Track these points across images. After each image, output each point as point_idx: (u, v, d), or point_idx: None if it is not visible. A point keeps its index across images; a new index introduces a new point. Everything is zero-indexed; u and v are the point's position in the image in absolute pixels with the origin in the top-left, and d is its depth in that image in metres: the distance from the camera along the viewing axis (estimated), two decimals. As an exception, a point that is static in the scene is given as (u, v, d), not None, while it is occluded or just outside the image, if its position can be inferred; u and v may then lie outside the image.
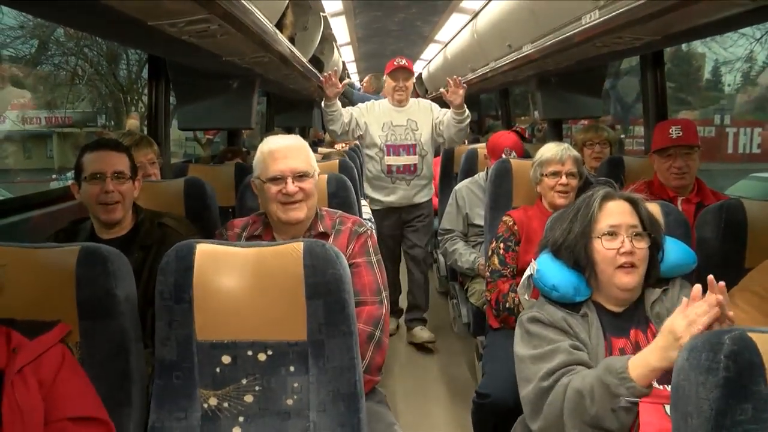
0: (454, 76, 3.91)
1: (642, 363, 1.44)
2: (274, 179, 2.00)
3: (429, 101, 4.27)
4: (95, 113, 18.29)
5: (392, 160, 4.04)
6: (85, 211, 2.23)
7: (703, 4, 1.90)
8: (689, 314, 1.38)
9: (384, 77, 4.23)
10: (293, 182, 1.98)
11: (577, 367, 1.56)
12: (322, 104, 3.96)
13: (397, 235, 4.19)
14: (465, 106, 3.90)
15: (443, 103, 4.07)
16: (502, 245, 2.61)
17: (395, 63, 4.10)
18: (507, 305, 2.50)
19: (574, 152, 2.68)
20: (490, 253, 2.66)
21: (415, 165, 4.05)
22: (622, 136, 10.30)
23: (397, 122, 4.05)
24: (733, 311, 1.75)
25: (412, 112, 4.09)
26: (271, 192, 2.00)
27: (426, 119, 4.07)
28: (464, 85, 3.86)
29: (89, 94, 17.19)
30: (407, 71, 4.08)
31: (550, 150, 2.67)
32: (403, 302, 4.40)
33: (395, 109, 4.09)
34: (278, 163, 2.00)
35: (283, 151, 2.02)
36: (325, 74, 3.89)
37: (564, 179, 2.61)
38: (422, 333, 4.07)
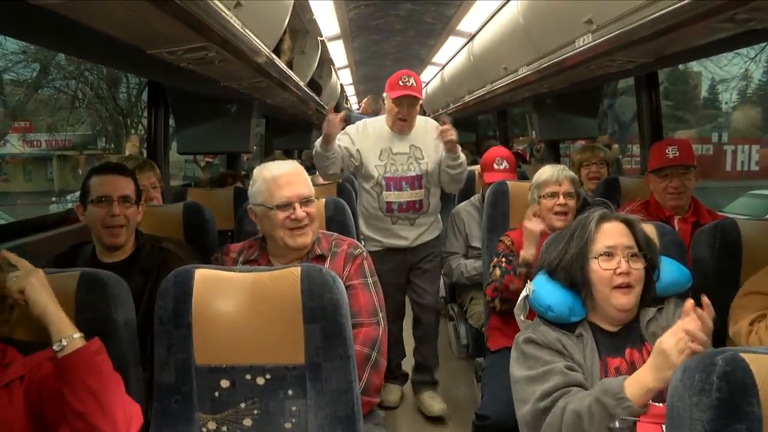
0: (444, 122, 3.15)
1: (637, 383, 1.45)
2: (282, 206, 2.01)
3: (436, 122, 3.37)
4: (95, 136, 18.42)
5: (393, 196, 3.24)
6: (86, 235, 2.25)
7: (691, 28, 1.94)
8: (677, 332, 1.40)
9: (384, 95, 3.38)
10: (301, 207, 2.01)
11: (573, 389, 1.57)
12: (318, 148, 3.16)
13: (401, 283, 3.39)
14: (459, 148, 3.20)
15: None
16: (503, 259, 2.60)
17: (399, 83, 3.21)
18: (498, 284, 2.54)
19: (571, 173, 2.70)
20: (491, 269, 2.66)
21: (420, 201, 3.27)
22: (620, 156, 10.33)
23: (398, 149, 3.25)
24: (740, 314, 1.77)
25: (416, 137, 3.28)
26: (278, 218, 2.01)
27: (433, 145, 3.24)
28: (449, 118, 3.22)
29: (89, 117, 17.32)
30: (413, 99, 3.21)
31: (546, 172, 2.68)
32: (407, 364, 3.66)
33: (395, 133, 3.29)
34: (284, 189, 2.02)
35: (287, 177, 2.04)
36: (328, 118, 3.09)
37: (562, 199, 2.62)
38: (433, 402, 3.40)
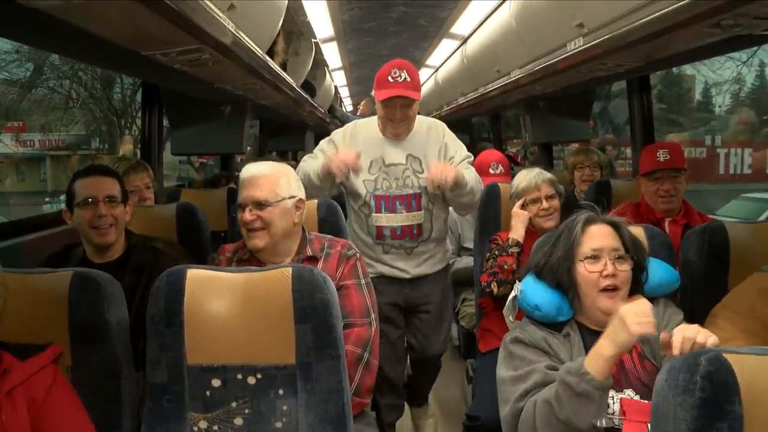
0: (433, 174, 2.48)
1: (596, 355, 1.50)
2: (239, 206, 2.04)
3: (442, 124, 2.75)
4: (89, 136, 18.37)
5: (384, 220, 2.61)
6: (78, 236, 2.25)
7: (680, 33, 1.97)
8: (639, 304, 1.48)
9: (372, 94, 2.77)
10: (251, 210, 2.00)
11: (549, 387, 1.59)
12: (311, 175, 2.55)
13: (398, 321, 2.74)
14: (465, 176, 2.54)
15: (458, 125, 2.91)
16: (496, 252, 2.61)
17: (389, 79, 2.54)
18: (493, 265, 2.55)
19: (547, 174, 2.71)
20: (484, 265, 2.65)
21: (419, 226, 2.63)
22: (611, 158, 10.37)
23: (392, 159, 2.62)
24: (714, 331, 1.79)
25: (415, 144, 2.64)
26: (239, 218, 2.04)
27: (436, 152, 2.64)
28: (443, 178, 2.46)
29: (83, 118, 17.27)
30: (406, 99, 2.55)
31: (523, 179, 2.69)
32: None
33: (389, 139, 2.65)
34: (243, 191, 2.04)
35: (250, 180, 2.04)
36: (339, 162, 2.48)
37: (545, 204, 2.64)
38: (419, 422, 3.10)
